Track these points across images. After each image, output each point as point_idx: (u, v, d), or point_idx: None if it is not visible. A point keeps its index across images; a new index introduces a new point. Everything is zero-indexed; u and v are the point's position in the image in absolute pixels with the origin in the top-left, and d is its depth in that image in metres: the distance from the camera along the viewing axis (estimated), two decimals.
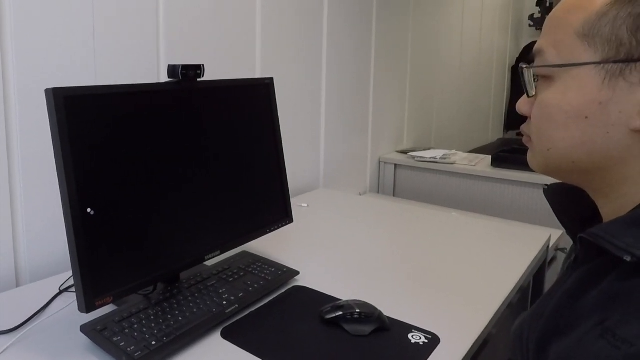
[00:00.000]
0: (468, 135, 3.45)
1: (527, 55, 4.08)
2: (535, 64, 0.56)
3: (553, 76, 0.53)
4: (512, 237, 1.40)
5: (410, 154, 2.35)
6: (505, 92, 4.17)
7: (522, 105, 0.59)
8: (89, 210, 0.78)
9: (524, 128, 0.60)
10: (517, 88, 4.14)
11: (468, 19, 3.22)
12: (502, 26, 3.85)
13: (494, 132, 4.02)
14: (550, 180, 0.62)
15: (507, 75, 4.15)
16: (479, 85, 3.59)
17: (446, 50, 2.98)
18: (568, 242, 1.75)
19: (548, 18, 0.55)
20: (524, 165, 1.98)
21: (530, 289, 1.40)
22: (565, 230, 0.63)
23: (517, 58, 4.15)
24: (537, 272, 1.37)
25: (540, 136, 0.55)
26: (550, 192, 0.65)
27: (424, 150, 2.41)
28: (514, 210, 2.01)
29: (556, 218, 0.64)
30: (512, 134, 4.29)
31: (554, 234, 1.55)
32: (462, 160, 2.24)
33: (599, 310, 0.45)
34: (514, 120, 4.18)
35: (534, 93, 0.56)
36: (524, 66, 0.56)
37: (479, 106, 3.63)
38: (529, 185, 1.97)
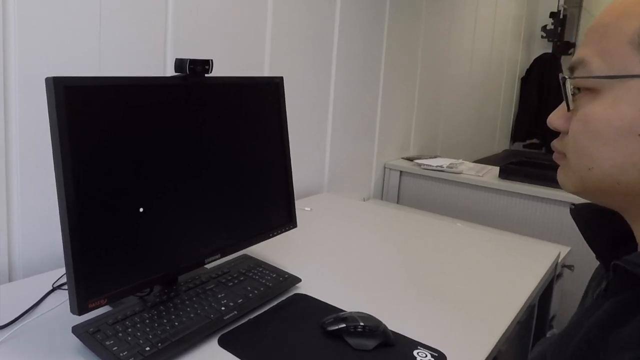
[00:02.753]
0: (474, 144, 3.42)
1: (538, 66, 4.04)
2: (578, 74, 0.50)
3: (599, 88, 0.48)
4: (521, 252, 1.37)
5: (416, 161, 2.31)
6: (514, 103, 4.13)
7: (555, 119, 0.53)
8: (85, 206, 0.75)
9: (555, 144, 0.55)
10: (525, 100, 4.10)
11: (480, 27, 3.19)
12: (514, 36, 3.81)
13: (501, 143, 3.98)
14: (573, 199, 0.58)
15: (517, 86, 4.11)
16: (488, 95, 3.56)
17: (456, 57, 2.95)
18: (575, 259, 1.72)
19: (592, 26, 0.50)
20: (532, 178, 1.98)
21: (536, 306, 1.37)
22: (595, 255, 0.58)
23: (527, 69, 4.11)
24: (545, 289, 1.33)
25: (580, 154, 0.50)
26: (579, 213, 0.59)
27: (431, 158, 2.38)
28: (520, 223, 1.98)
29: (583, 238, 0.58)
30: (518, 146, 4.25)
31: (562, 250, 1.51)
32: (469, 170, 2.20)
33: (634, 348, 0.41)
34: (521, 132, 4.14)
35: (573, 107, 0.51)
36: (566, 76, 0.51)
37: (486, 116, 3.59)
38: (536, 199, 1.93)
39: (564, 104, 0.52)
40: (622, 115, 0.46)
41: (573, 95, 0.51)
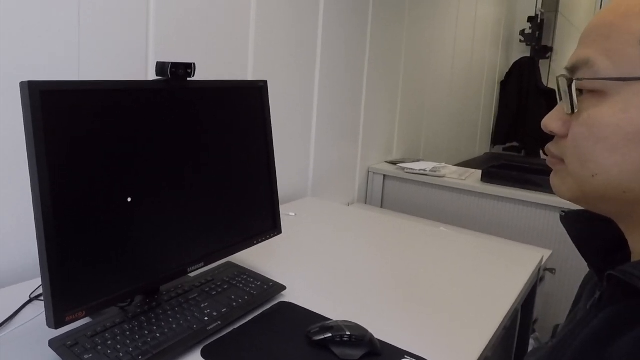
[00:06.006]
0: (456, 148, 3.44)
1: (517, 70, 4.08)
2: (582, 75, 0.47)
3: (606, 91, 0.45)
4: (505, 256, 1.37)
5: (400, 165, 2.31)
6: (494, 107, 4.17)
7: (552, 122, 0.51)
8: (62, 214, 0.72)
9: (551, 148, 0.52)
10: (505, 103, 4.14)
11: (461, 31, 3.21)
12: (493, 40, 3.85)
13: (481, 146, 4.02)
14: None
15: (497, 90, 4.15)
16: (469, 99, 3.58)
17: (438, 62, 2.96)
18: (556, 263, 1.72)
19: (596, 24, 0.48)
20: (513, 182, 1.99)
21: (519, 310, 1.37)
22: (587, 263, 0.57)
23: (506, 73, 4.16)
24: (528, 293, 1.33)
25: (582, 160, 0.47)
26: (569, 221, 0.57)
27: (414, 161, 2.38)
28: (502, 226, 1.99)
29: (574, 245, 0.57)
30: (498, 149, 4.30)
31: (544, 254, 1.52)
32: (452, 173, 2.21)
33: None
34: (501, 135, 4.18)
35: (577, 110, 0.48)
36: (569, 77, 0.48)
37: (467, 119, 3.62)
38: (518, 203, 1.94)
39: (559, 106, 0.50)
40: (633, 120, 0.44)
41: (577, 96, 0.48)
